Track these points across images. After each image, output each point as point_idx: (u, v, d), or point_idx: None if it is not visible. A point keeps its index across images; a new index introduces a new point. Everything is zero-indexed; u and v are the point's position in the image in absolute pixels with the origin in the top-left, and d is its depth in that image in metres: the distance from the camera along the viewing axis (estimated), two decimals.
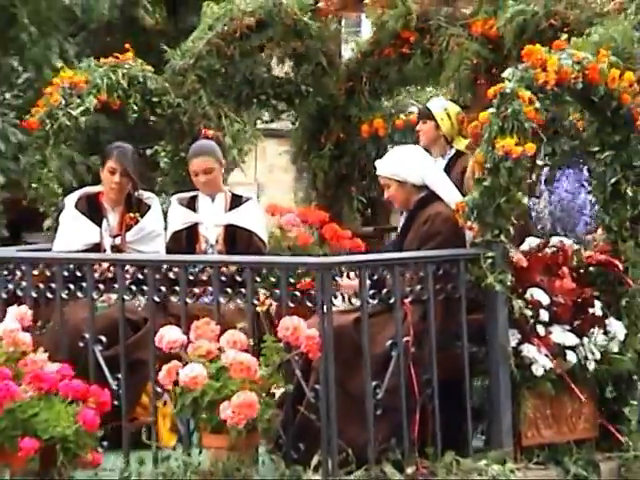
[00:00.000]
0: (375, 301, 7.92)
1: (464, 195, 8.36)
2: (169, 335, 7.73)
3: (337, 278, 7.93)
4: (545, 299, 8.24)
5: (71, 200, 9.37)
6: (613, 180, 8.69)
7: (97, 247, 9.31)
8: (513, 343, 8.15)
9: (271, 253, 9.90)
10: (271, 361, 7.58)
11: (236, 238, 9.38)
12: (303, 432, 7.79)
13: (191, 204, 9.68)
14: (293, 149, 11.89)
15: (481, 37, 9.64)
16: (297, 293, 7.83)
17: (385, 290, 7.92)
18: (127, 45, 10.54)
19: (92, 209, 9.34)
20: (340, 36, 11.02)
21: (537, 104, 8.12)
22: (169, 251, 9.51)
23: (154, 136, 10.74)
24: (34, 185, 10.03)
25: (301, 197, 11.32)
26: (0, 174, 17.50)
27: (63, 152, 9.91)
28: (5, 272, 8.64)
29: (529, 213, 9.37)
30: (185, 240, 9.58)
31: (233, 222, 9.34)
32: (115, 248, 9.28)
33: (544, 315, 8.22)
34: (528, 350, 8.15)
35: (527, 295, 8.23)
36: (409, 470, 7.70)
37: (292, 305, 7.77)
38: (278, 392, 7.59)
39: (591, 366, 8.41)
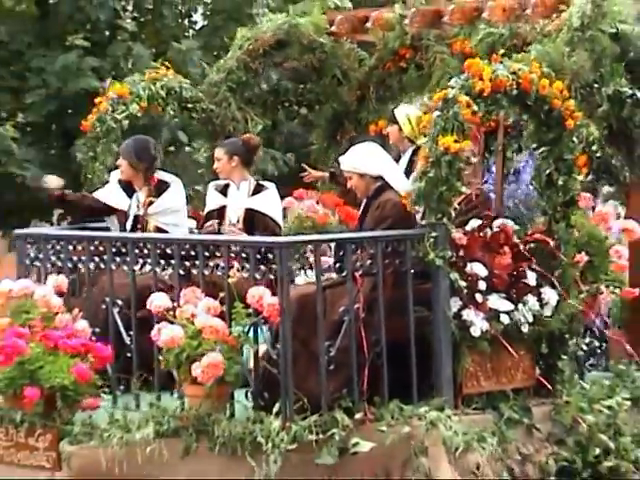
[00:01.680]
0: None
1: None
2: (157, 300, 7.12)
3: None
4: (483, 272, 7.51)
5: (115, 176, 9.13)
6: (547, 171, 7.95)
7: (124, 213, 8.98)
8: (455, 309, 7.41)
9: (296, 232, 9.47)
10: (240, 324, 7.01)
11: (254, 220, 8.78)
12: (269, 383, 7.18)
13: (223, 190, 9.20)
14: (316, 146, 11.03)
15: (459, 54, 8.76)
16: (262, 267, 7.10)
17: (339, 265, 7.33)
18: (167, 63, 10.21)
19: (127, 186, 9.00)
20: (354, 53, 10.17)
21: (475, 108, 7.41)
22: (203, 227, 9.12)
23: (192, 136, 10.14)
24: (89, 175, 9.62)
25: (323, 185, 10.45)
26: None
27: (111, 149, 9.33)
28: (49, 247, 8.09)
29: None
30: (217, 219, 9.02)
31: (252, 206, 8.79)
32: (137, 217, 8.86)
33: (482, 285, 7.47)
34: (467, 314, 7.42)
35: (467, 268, 7.46)
36: (357, 415, 7.01)
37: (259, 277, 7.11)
38: None
39: (525, 327, 7.66)
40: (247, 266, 7.09)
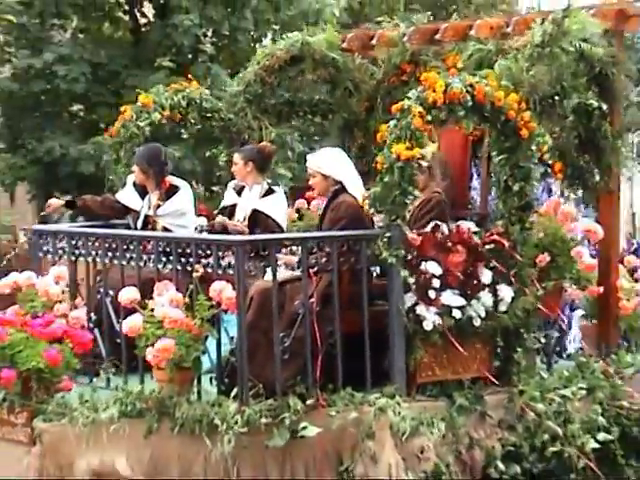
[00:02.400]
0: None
1: None
2: (126, 294, 6.81)
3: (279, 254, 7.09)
4: (437, 270, 7.06)
5: (131, 179, 8.80)
6: (505, 178, 7.51)
7: (137, 213, 8.70)
8: (409, 304, 7.00)
9: (305, 229, 9.30)
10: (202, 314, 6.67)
11: (258, 220, 8.43)
12: (233, 370, 6.87)
13: (239, 190, 8.91)
14: None
15: (453, 68, 8.25)
16: (222, 263, 6.74)
17: (296, 261, 7.02)
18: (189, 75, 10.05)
19: (141, 189, 8.69)
20: (364, 67, 9.77)
21: (428, 117, 6.99)
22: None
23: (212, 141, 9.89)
24: (111, 177, 9.37)
25: None
26: None
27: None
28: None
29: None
30: (228, 215, 8.77)
31: (258, 207, 8.44)
32: (147, 217, 8.58)
33: (436, 282, 7.03)
34: (420, 309, 7.00)
35: (422, 266, 7.03)
36: (309, 401, 6.65)
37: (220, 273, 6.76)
38: None
39: (477, 322, 7.20)
40: (211, 262, 6.77)
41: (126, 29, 18.30)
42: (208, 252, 6.78)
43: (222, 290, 6.58)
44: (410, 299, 6.97)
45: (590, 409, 7.58)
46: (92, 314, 7.57)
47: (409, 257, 6.95)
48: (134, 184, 8.69)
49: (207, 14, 16.80)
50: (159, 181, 8.49)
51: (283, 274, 7.07)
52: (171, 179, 8.62)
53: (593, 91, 8.02)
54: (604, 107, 8.01)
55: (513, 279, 7.39)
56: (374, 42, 9.52)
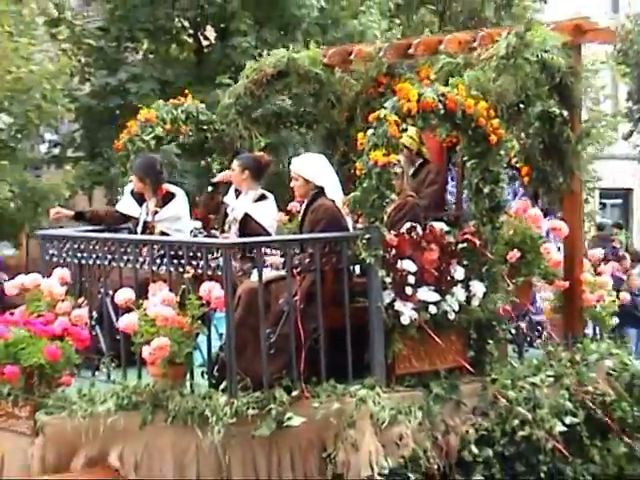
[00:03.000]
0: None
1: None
2: (122, 294, 6.48)
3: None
4: (413, 268, 6.75)
5: (129, 188, 8.40)
6: (476, 181, 7.19)
7: (136, 220, 8.25)
8: (388, 300, 6.69)
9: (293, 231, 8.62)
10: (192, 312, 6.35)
11: (248, 224, 7.87)
12: (223, 365, 6.57)
13: (238, 194, 8.40)
14: None
15: (425, 79, 7.93)
16: (212, 265, 6.43)
17: (282, 262, 6.66)
18: (186, 92, 9.55)
19: (139, 197, 8.27)
20: (345, 80, 9.33)
21: (403, 126, 6.72)
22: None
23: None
24: (120, 189, 9.27)
25: None
26: None
27: None
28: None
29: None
30: (224, 214, 8.42)
31: (249, 212, 7.89)
32: (145, 223, 8.14)
33: (411, 279, 6.71)
34: (398, 305, 6.68)
35: (399, 265, 6.70)
36: (294, 393, 6.34)
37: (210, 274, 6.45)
38: None
39: (451, 316, 6.89)
40: (201, 263, 6.47)
41: (190, 50, 18.39)
42: (198, 254, 6.47)
43: (211, 290, 6.29)
44: (388, 296, 6.66)
45: (558, 395, 7.28)
46: (94, 312, 7.27)
47: (387, 257, 6.66)
48: (132, 192, 8.30)
49: (262, 36, 16.73)
50: (155, 189, 8.09)
51: (269, 274, 6.76)
52: (167, 186, 8.23)
53: (554, 99, 7.71)
54: (565, 114, 7.71)
55: (485, 275, 7.09)
56: (352, 57, 9.19)
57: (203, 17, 17.34)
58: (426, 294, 6.74)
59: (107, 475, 6.21)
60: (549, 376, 7.35)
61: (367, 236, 6.58)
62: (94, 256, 7.18)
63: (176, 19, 17.51)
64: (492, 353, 7.16)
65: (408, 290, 6.68)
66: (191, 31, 18.09)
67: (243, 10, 16.89)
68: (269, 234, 7.95)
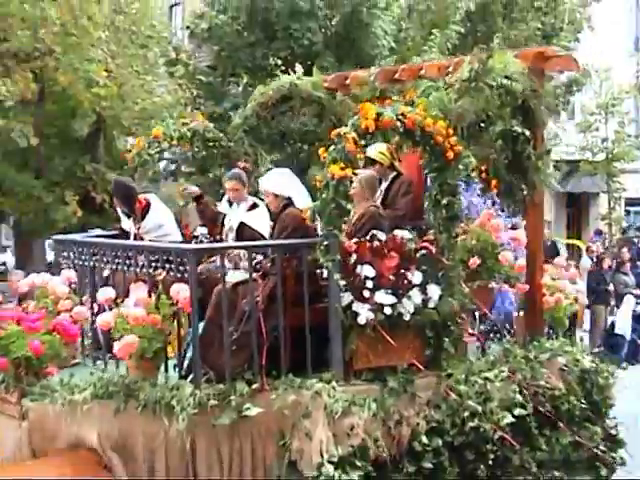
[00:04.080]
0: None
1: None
2: (104, 293, 5.92)
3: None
4: (371, 273, 6.06)
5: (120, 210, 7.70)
6: (434, 193, 6.48)
7: (128, 232, 7.53)
8: (347, 301, 6.01)
9: None
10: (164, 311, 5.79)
11: (244, 231, 7.14)
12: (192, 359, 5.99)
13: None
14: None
15: (410, 102, 7.24)
16: (180, 268, 5.80)
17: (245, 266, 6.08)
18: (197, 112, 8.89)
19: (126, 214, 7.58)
20: (344, 102, 8.57)
21: (362, 142, 6.05)
22: None
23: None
24: None
25: None
26: None
27: (146, 176, 8.42)
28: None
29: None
30: (221, 223, 7.51)
31: (244, 220, 7.17)
32: (134, 234, 7.41)
33: (369, 284, 6.03)
34: (356, 306, 6.01)
35: (358, 270, 6.04)
36: (254, 386, 5.74)
37: (179, 276, 5.84)
38: None
39: (407, 317, 6.17)
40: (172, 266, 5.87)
41: None
42: (170, 258, 5.89)
43: (179, 291, 5.71)
44: (348, 298, 5.98)
45: (509, 389, 6.53)
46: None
47: (346, 262, 6.00)
48: (122, 211, 7.61)
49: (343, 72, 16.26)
50: (130, 206, 7.38)
51: (239, 276, 6.16)
52: (145, 196, 7.51)
53: (517, 119, 6.97)
54: (527, 133, 6.94)
55: (441, 280, 6.38)
56: (349, 82, 8.51)
57: (293, 56, 16.96)
58: (383, 297, 6.04)
59: (83, 457, 5.67)
60: (503, 371, 6.61)
61: (326, 243, 5.92)
62: (93, 259, 6.61)
63: (271, 58, 17.25)
64: (448, 350, 6.44)
65: (366, 293, 6.00)
66: (283, 68, 17.59)
67: (326, 50, 17.01)
68: (265, 239, 7.36)
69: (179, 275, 5.79)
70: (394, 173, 7.81)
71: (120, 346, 5.56)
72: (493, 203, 8.05)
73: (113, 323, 5.70)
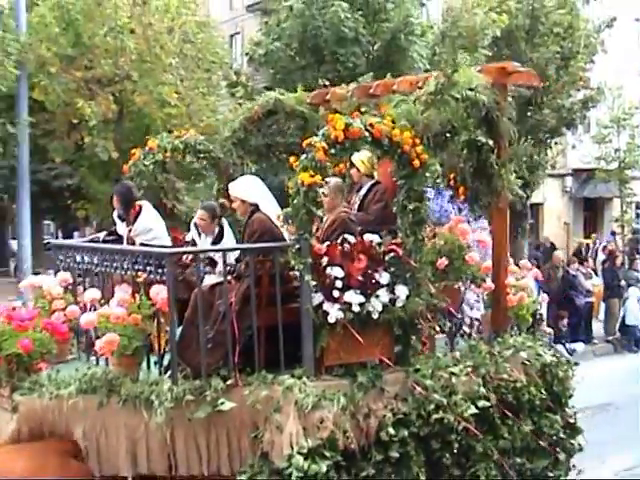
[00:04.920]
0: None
1: None
2: (89, 294, 5.50)
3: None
4: (340, 274, 5.65)
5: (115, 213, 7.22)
6: (402, 199, 6.03)
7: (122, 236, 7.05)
8: (318, 301, 5.61)
9: None
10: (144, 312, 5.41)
11: None
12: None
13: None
14: None
15: (383, 115, 6.74)
16: (159, 271, 5.39)
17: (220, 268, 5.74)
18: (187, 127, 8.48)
19: (120, 217, 7.09)
20: (326, 116, 8.03)
21: (332, 151, 5.64)
22: None
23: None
24: None
25: None
26: None
27: (141, 186, 7.54)
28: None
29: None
30: None
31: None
32: (127, 237, 6.90)
33: (339, 284, 5.62)
34: (326, 306, 5.60)
35: (328, 271, 5.62)
36: (229, 381, 5.33)
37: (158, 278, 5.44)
38: None
39: (375, 315, 5.75)
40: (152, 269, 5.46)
41: None
42: (150, 261, 5.46)
43: (159, 293, 5.29)
44: (319, 298, 5.59)
45: (473, 382, 6.08)
46: None
47: (317, 264, 5.56)
48: (118, 215, 7.13)
49: None
50: (127, 210, 6.93)
51: (216, 279, 5.71)
52: (139, 202, 7.04)
53: (482, 130, 6.49)
54: (490, 143, 6.49)
55: (409, 280, 5.92)
56: (328, 97, 8.05)
57: (339, 78, 16.34)
58: (352, 297, 5.64)
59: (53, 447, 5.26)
60: (468, 366, 6.16)
61: (297, 246, 5.53)
62: (85, 262, 6.21)
63: (320, 80, 16.77)
64: (416, 347, 6.00)
65: (335, 293, 5.60)
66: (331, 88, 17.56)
67: (368, 72, 16.33)
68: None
69: (158, 277, 5.33)
70: (372, 181, 7.35)
71: (101, 344, 5.12)
72: (460, 210, 7.56)
73: (97, 322, 5.25)
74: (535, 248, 24.71)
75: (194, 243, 6.98)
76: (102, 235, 7.30)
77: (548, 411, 6.60)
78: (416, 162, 5.85)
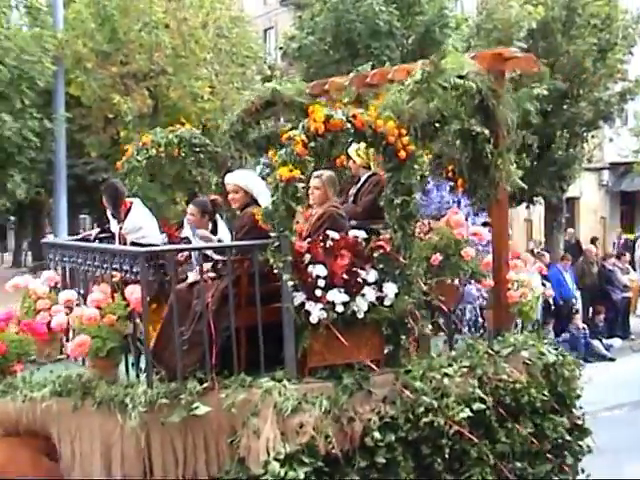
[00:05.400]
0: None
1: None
2: (63, 295, 5.39)
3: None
4: (323, 272, 5.45)
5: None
6: (389, 192, 5.80)
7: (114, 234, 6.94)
8: (300, 301, 5.41)
9: None
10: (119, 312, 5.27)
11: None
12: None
13: None
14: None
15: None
16: (135, 270, 5.26)
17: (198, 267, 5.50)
18: (183, 120, 8.38)
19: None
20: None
21: (312, 144, 5.43)
22: None
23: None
24: None
25: None
26: None
27: (135, 181, 7.49)
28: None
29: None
30: None
31: None
32: (118, 235, 6.78)
33: (321, 282, 5.42)
34: (309, 306, 5.40)
35: (310, 269, 5.42)
36: (206, 384, 5.17)
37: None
38: None
39: (360, 315, 5.53)
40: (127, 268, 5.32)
41: None
42: (124, 260, 5.32)
43: (133, 292, 5.15)
44: (301, 297, 5.39)
45: (469, 383, 5.83)
46: None
47: (297, 262, 5.36)
48: (111, 213, 6.98)
49: None
50: (115, 207, 6.80)
51: (194, 277, 5.55)
52: (130, 200, 6.91)
53: (477, 119, 6.21)
54: (486, 132, 6.21)
55: (398, 278, 5.70)
56: (327, 87, 7.80)
57: None
58: (336, 296, 5.43)
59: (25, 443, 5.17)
60: (463, 366, 5.92)
61: (277, 244, 5.33)
62: (70, 261, 6.11)
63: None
64: (406, 347, 5.77)
65: (318, 292, 5.40)
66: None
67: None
68: None
69: (132, 277, 5.20)
70: (369, 172, 7.14)
71: (72, 345, 5.00)
72: (459, 202, 7.30)
73: (72, 323, 5.15)
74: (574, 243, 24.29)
75: (189, 240, 6.85)
76: (94, 232, 7.24)
77: (552, 413, 6.32)
78: (402, 153, 5.63)
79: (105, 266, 5.54)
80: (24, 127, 16.14)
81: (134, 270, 5.21)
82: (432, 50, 17.13)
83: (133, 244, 6.51)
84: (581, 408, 6.63)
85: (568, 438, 6.42)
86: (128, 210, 6.71)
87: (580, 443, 6.56)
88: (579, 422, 6.56)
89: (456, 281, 6.29)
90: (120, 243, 6.69)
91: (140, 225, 6.59)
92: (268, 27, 31.53)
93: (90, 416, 5.16)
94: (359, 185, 7.22)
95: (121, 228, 6.66)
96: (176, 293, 5.31)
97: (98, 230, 7.25)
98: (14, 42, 14.73)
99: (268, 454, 4.97)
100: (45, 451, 5.18)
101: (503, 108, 6.29)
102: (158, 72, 16.60)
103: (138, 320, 5.21)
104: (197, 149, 7.76)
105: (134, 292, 5.13)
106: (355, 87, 7.51)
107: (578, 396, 6.58)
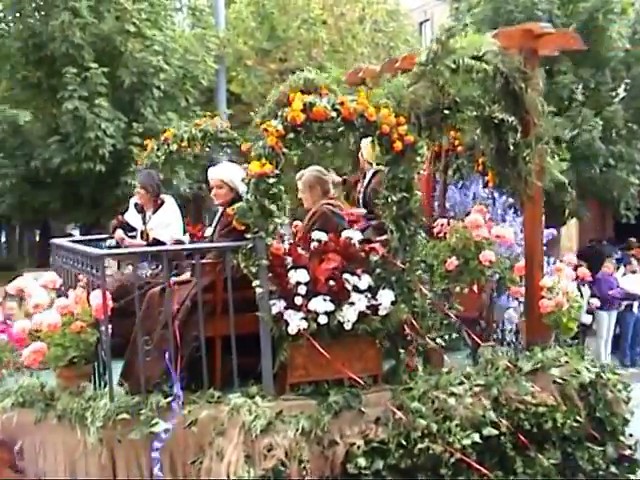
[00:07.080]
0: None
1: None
2: (34, 299, 5.22)
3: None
4: (304, 277, 5.01)
5: (133, 202, 6.81)
6: (386, 188, 5.25)
7: (129, 225, 6.71)
8: (279, 309, 5.00)
9: None
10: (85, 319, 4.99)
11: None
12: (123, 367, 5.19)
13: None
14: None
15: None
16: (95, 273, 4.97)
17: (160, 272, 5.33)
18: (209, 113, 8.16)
19: (140, 208, 6.65)
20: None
21: (290, 135, 5.03)
22: None
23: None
24: None
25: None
26: None
27: None
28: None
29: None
30: None
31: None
32: (143, 231, 6.54)
33: (302, 289, 4.98)
34: (288, 314, 4.97)
35: (290, 274, 4.99)
36: (169, 398, 4.80)
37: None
38: None
39: (348, 326, 5.03)
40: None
41: None
42: (88, 263, 5.05)
43: (97, 297, 4.88)
44: (280, 305, 4.96)
45: (479, 405, 5.18)
46: None
47: (275, 266, 4.92)
48: (135, 205, 6.77)
49: (579, 74, 15.27)
50: (154, 199, 6.60)
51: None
52: (163, 196, 6.69)
53: (501, 104, 5.52)
54: (510, 119, 5.51)
55: (395, 284, 5.16)
56: (360, 75, 7.44)
57: None
58: (319, 304, 4.96)
59: None
60: (477, 385, 5.29)
61: (249, 246, 4.92)
62: (64, 262, 5.94)
63: None
64: (406, 363, 5.21)
65: (298, 300, 4.95)
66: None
67: (563, 54, 15.62)
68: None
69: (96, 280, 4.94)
70: (373, 169, 6.67)
71: (27, 353, 4.78)
72: (494, 199, 6.61)
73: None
74: None
75: (211, 240, 6.57)
76: (113, 223, 7.04)
77: (589, 441, 5.58)
78: (398, 144, 5.07)
79: (82, 268, 5.32)
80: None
81: (94, 273, 4.95)
82: (595, 38, 16.35)
83: (155, 240, 6.33)
84: (631, 436, 5.85)
85: (614, 470, 5.67)
86: (159, 206, 6.49)
87: (630, 476, 5.78)
88: (627, 452, 5.78)
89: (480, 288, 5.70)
90: (142, 238, 6.52)
91: (169, 222, 6.36)
92: (424, 20, 31.34)
93: (53, 429, 4.94)
94: (365, 182, 6.74)
95: (144, 223, 6.47)
96: (149, 297, 5.03)
97: (115, 222, 7.02)
98: (179, 43, 15.23)
99: (228, 479, 4.59)
100: (9, 463, 5.01)
101: (533, 92, 5.60)
102: (316, 68, 16.75)
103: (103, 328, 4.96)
104: (224, 144, 7.49)
105: (97, 297, 4.87)
106: (386, 73, 7.02)
107: (626, 421, 5.80)
